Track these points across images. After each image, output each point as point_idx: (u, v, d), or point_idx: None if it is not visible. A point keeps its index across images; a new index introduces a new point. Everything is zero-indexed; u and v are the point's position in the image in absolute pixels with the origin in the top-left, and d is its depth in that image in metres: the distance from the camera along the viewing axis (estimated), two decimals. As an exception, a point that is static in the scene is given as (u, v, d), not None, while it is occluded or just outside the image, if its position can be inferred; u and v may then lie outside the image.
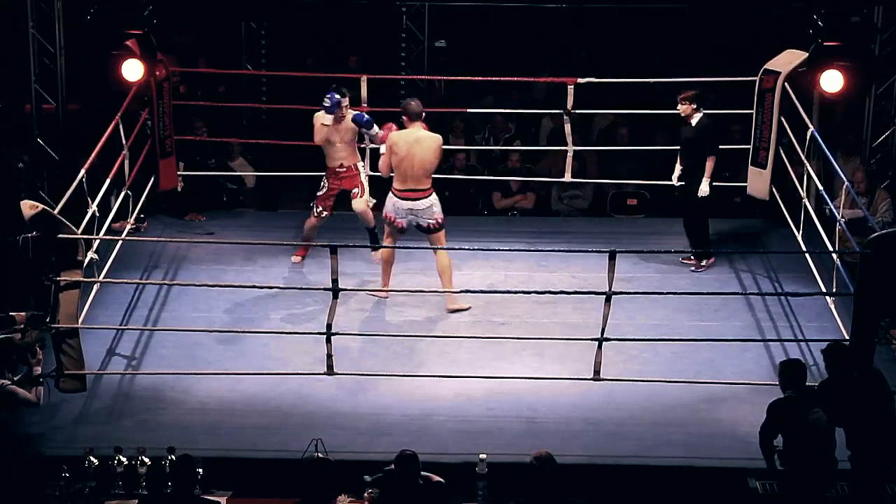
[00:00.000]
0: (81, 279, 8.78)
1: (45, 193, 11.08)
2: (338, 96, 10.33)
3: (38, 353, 8.57)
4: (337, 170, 10.64)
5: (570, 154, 11.57)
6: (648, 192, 12.38)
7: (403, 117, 10.04)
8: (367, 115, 10.44)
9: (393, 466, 7.32)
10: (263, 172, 12.54)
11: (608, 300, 8.78)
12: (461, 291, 10.12)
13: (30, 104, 11.41)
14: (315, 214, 10.75)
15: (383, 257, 10.24)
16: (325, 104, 10.34)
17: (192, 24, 13.35)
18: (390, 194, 10.06)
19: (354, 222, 11.57)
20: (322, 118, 10.43)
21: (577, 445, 8.37)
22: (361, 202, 10.65)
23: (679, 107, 10.76)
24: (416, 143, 9.89)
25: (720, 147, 10.81)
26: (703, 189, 10.67)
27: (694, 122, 10.71)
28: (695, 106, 10.67)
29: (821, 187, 10.50)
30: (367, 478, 7.59)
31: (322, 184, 10.74)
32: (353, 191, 10.68)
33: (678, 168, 10.90)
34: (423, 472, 7.31)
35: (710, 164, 10.65)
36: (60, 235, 8.59)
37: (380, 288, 10.27)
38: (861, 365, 8.03)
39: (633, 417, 8.76)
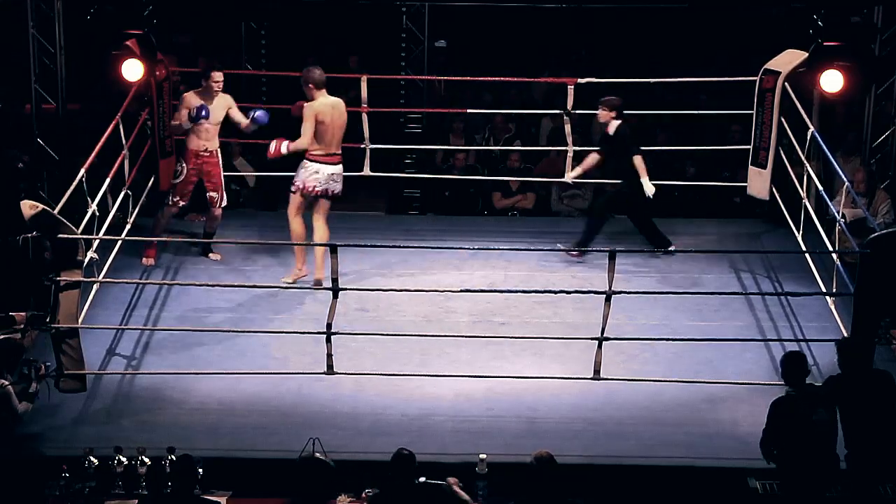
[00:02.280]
0: (81, 279, 8.78)
1: (45, 193, 11.08)
2: (204, 112, 10.39)
3: (42, 370, 8.49)
4: (200, 153, 10.62)
5: (570, 154, 11.57)
6: (648, 192, 12.38)
7: (310, 85, 10.12)
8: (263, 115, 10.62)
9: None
10: (263, 172, 12.54)
11: (608, 300, 8.78)
12: (461, 291, 10.12)
13: (30, 104, 11.41)
14: (171, 204, 10.71)
15: (296, 232, 10.26)
16: (192, 114, 10.40)
17: (192, 24, 13.35)
18: (309, 163, 10.15)
19: (355, 222, 11.61)
20: (183, 118, 10.47)
21: (577, 445, 8.36)
22: (220, 210, 10.77)
23: (599, 110, 10.85)
24: (334, 108, 10.14)
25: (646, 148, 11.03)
26: (649, 188, 10.72)
27: (611, 130, 10.80)
28: (614, 114, 10.75)
29: (821, 187, 10.49)
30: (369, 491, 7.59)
31: (178, 168, 10.68)
32: (212, 195, 10.71)
33: (580, 169, 11.07)
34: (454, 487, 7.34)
35: (640, 163, 10.74)
36: (60, 235, 8.59)
37: (298, 269, 10.33)
38: (869, 363, 8.00)
39: (633, 417, 8.76)
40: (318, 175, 10.12)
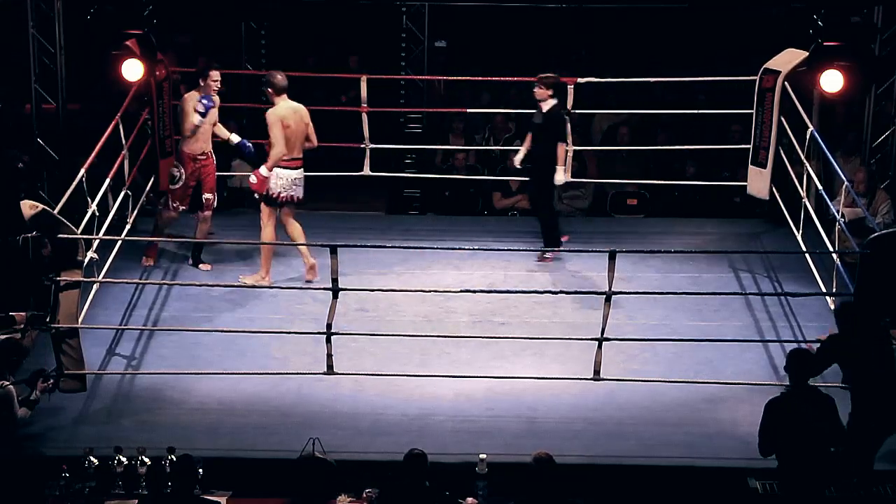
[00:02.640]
0: (81, 279, 8.78)
1: (45, 193, 11.08)
2: (211, 104, 10.40)
3: (49, 382, 8.47)
4: (197, 157, 10.62)
5: (569, 153, 11.56)
6: (648, 192, 12.39)
7: (269, 91, 10.15)
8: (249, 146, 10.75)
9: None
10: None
11: (608, 300, 8.78)
12: (461, 291, 10.12)
13: (30, 104, 11.41)
14: (171, 209, 10.69)
15: (268, 239, 10.24)
16: (198, 109, 10.39)
17: (192, 24, 13.35)
18: (274, 169, 10.10)
19: (355, 222, 11.62)
20: (193, 117, 10.45)
21: (577, 445, 8.36)
22: (210, 212, 10.75)
23: (535, 89, 10.79)
24: (295, 112, 10.13)
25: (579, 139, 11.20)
26: (559, 178, 10.72)
27: (545, 108, 10.74)
28: (551, 92, 10.70)
29: (821, 187, 10.50)
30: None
31: (177, 173, 10.66)
32: (207, 197, 10.69)
33: (523, 151, 10.97)
34: None
35: (560, 152, 10.71)
36: (60, 235, 8.59)
37: (261, 276, 10.29)
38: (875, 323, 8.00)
39: (633, 417, 8.76)
40: (282, 181, 10.10)
